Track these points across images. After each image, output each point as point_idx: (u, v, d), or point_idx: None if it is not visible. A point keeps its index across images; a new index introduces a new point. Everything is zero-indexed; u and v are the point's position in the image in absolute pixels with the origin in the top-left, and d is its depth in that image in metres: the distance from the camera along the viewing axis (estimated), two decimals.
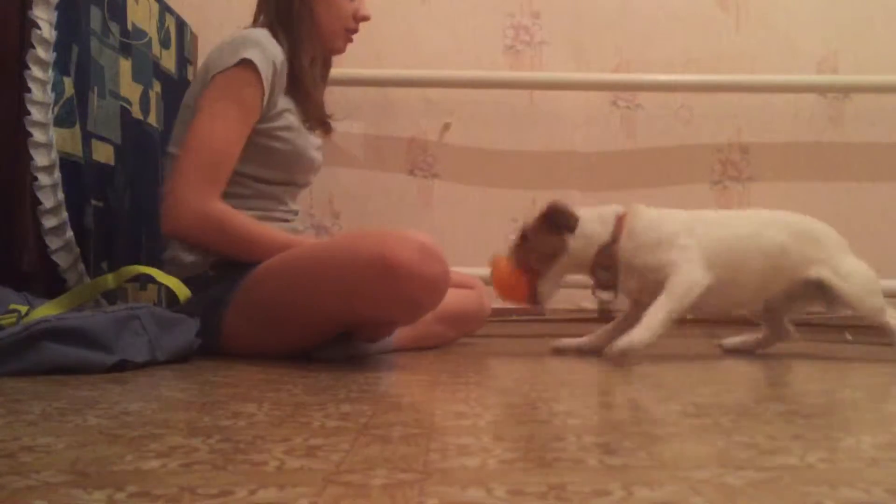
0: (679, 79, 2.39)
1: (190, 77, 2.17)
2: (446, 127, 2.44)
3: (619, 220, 1.65)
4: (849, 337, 2.26)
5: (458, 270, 2.03)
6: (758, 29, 2.47)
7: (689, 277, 1.57)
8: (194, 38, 2.22)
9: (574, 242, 1.64)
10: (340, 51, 1.69)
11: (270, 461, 0.61)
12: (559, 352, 1.75)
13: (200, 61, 2.24)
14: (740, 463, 0.63)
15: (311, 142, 1.64)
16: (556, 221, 1.65)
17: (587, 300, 2.43)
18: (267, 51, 1.50)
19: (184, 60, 2.11)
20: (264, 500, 0.50)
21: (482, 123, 2.44)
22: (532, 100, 2.45)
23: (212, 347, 1.45)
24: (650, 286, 1.61)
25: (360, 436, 0.71)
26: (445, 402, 0.97)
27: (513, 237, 1.72)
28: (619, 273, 1.65)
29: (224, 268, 1.48)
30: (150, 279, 1.55)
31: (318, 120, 1.66)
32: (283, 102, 1.56)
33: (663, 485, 0.55)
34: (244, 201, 1.54)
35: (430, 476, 0.57)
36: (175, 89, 2.03)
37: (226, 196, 1.50)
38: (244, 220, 1.48)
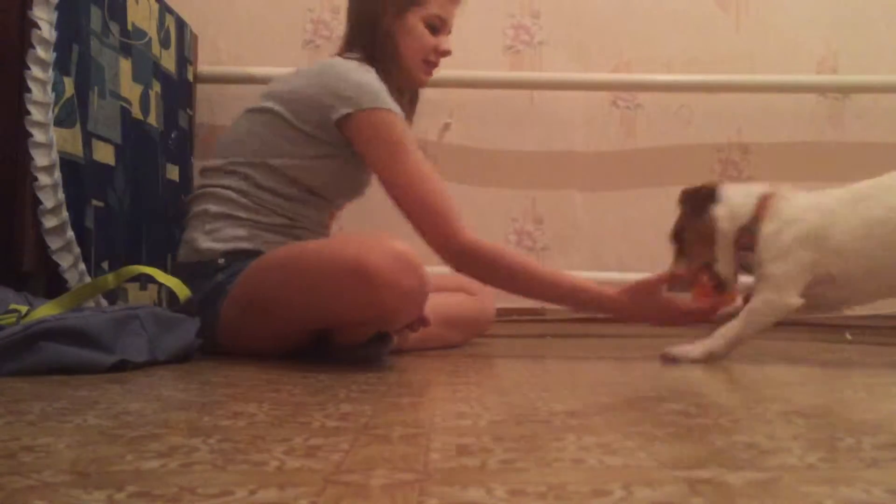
0: (679, 79, 2.39)
1: (190, 77, 2.17)
2: (446, 127, 2.44)
3: (764, 200, 1.56)
4: (849, 337, 2.26)
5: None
6: (758, 29, 2.47)
7: (768, 305, 1.52)
8: (194, 38, 2.22)
9: (719, 213, 1.57)
10: (423, 84, 1.71)
11: (270, 461, 0.61)
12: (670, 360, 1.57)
13: (200, 61, 2.25)
14: (740, 463, 0.63)
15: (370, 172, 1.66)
16: (691, 199, 1.62)
17: None
18: (384, 91, 1.52)
19: (184, 60, 2.11)
20: (264, 500, 0.50)
21: (482, 123, 2.44)
22: (532, 100, 2.45)
23: (209, 338, 1.46)
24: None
25: (360, 436, 0.71)
26: (445, 402, 0.97)
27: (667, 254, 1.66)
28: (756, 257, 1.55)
29: (233, 258, 1.49)
30: (150, 279, 1.55)
31: None
32: None
33: (663, 485, 0.55)
34: (288, 203, 1.56)
35: (430, 476, 0.57)
36: (175, 89, 2.02)
37: (264, 189, 1.53)
38: (506, 259, 1.54)
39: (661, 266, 2.36)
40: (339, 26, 2.41)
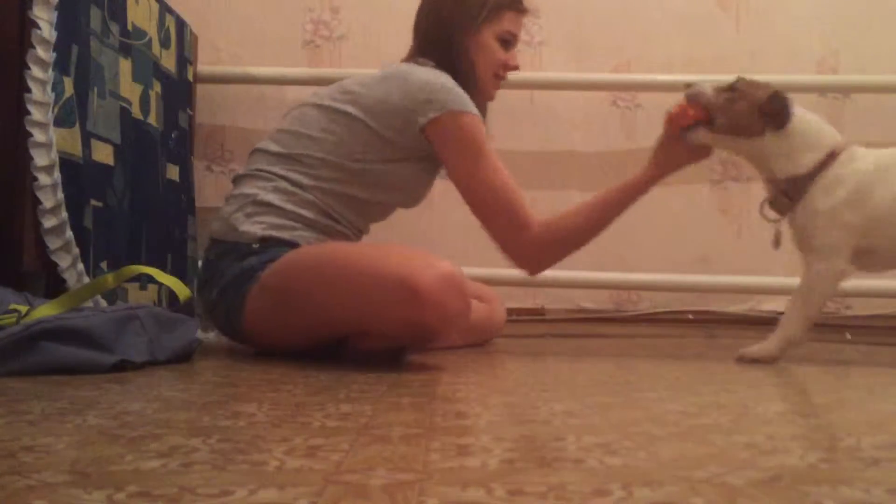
0: (679, 79, 2.39)
1: (190, 77, 2.17)
2: None
3: (830, 156, 1.52)
4: (849, 337, 2.26)
5: (472, 281, 2.03)
6: (758, 29, 2.47)
7: (823, 280, 1.52)
8: (194, 38, 2.22)
9: (771, 143, 1.52)
10: (492, 98, 1.72)
11: (270, 461, 0.61)
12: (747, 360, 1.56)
13: (200, 61, 2.25)
14: (740, 463, 0.63)
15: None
16: (771, 108, 1.51)
17: (587, 300, 2.43)
18: (464, 95, 1.54)
19: (184, 60, 2.11)
20: (264, 500, 0.50)
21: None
22: (532, 100, 2.45)
23: (231, 321, 1.45)
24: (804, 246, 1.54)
25: (360, 436, 0.71)
26: (445, 402, 0.97)
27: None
28: (794, 212, 1.54)
29: (268, 245, 1.47)
30: (151, 279, 1.55)
31: None
32: None
33: (663, 485, 0.55)
34: (343, 206, 1.56)
35: (430, 476, 0.57)
36: (175, 89, 2.03)
37: (326, 186, 1.53)
38: (570, 215, 1.58)
39: (662, 265, 2.36)
40: (339, 26, 2.41)
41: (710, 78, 2.37)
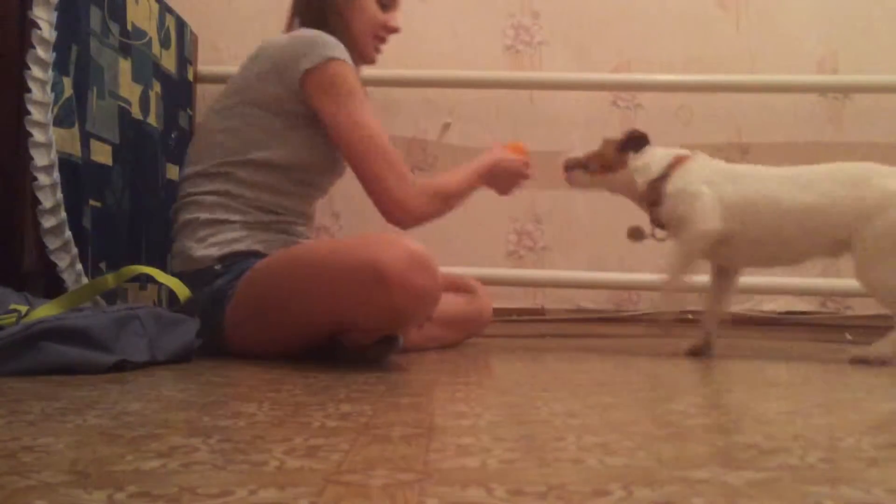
0: (679, 79, 2.39)
1: (190, 77, 2.17)
2: (446, 127, 2.44)
3: (677, 160, 1.74)
4: (849, 337, 2.26)
5: (459, 271, 2.04)
6: (758, 29, 2.47)
7: (690, 244, 1.68)
8: (194, 38, 2.22)
9: (631, 164, 1.76)
10: (373, 60, 1.71)
11: (270, 461, 0.61)
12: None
13: (200, 61, 2.25)
14: (740, 463, 0.63)
15: None
16: (628, 139, 1.79)
17: (587, 300, 2.43)
18: (341, 47, 1.54)
19: (184, 60, 2.11)
20: (264, 500, 0.50)
21: (482, 123, 2.44)
22: (532, 100, 2.45)
23: (216, 343, 1.46)
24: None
25: (360, 436, 0.71)
26: (445, 402, 0.97)
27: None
28: (663, 213, 1.73)
29: (230, 262, 1.49)
30: (150, 279, 1.55)
31: None
32: None
33: (663, 485, 0.55)
34: (274, 197, 1.56)
35: (430, 476, 0.57)
36: (175, 89, 2.02)
37: (249, 185, 1.53)
38: (442, 179, 1.63)
39: (662, 265, 2.36)
40: None
41: (710, 78, 2.39)
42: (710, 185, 1.68)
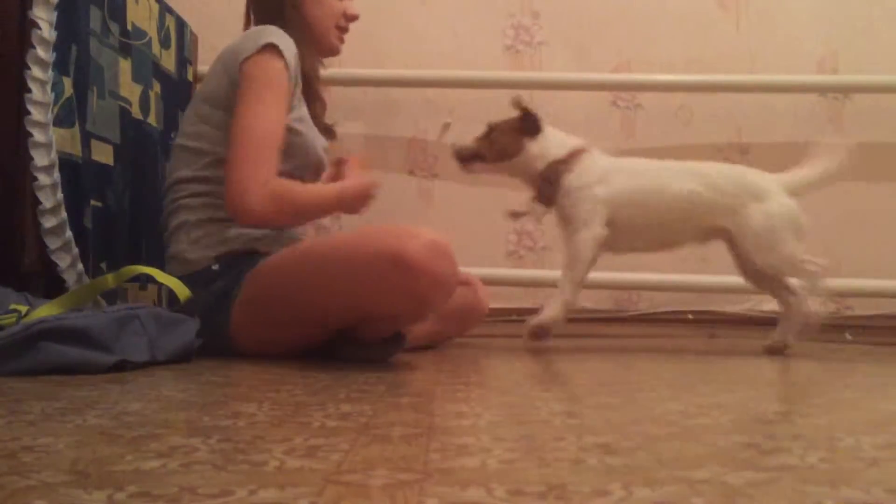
0: (679, 79, 2.39)
1: (190, 77, 2.17)
2: (446, 127, 2.44)
3: (577, 152, 1.83)
4: (849, 337, 2.26)
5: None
6: (758, 29, 2.47)
7: (582, 245, 1.77)
8: (194, 38, 2.22)
9: (531, 149, 1.83)
10: (336, 50, 1.70)
11: (270, 461, 0.61)
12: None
13: (200, 61, 2.25)
14: (740, 463, 0.63)
15: (320, 140, 1.65)
16: (525, 123, 1.84)
17: (587, 300, 2.43)
18: (284, 38, 1.52)
19: (184, 60, 2.11)
20: (264, 500, 0.50)
21: (482, 123, 2.43)
22: (532, 100, 2.44)
23: (220, 343, 1.46)
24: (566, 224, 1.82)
25: (360, 436, 0.71)
26: (445, 402, 0.97)
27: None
28: (557, 195, 1.81)
29: (228, 262, 1.49)
30: (150, 279, 1.55)
31: (321, 125, 1.68)
32: (298, 95, 1.58)
33: (663, 485, 0.55)
34: None
35: (430, 476, 0.57)
36: (175, 89, 2.02)
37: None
38: (300, 189, 1.53)
39: (663, 265, 2.36)
40: None
41: (711, 78, 2.39)
42: (604, 184, 1.79)
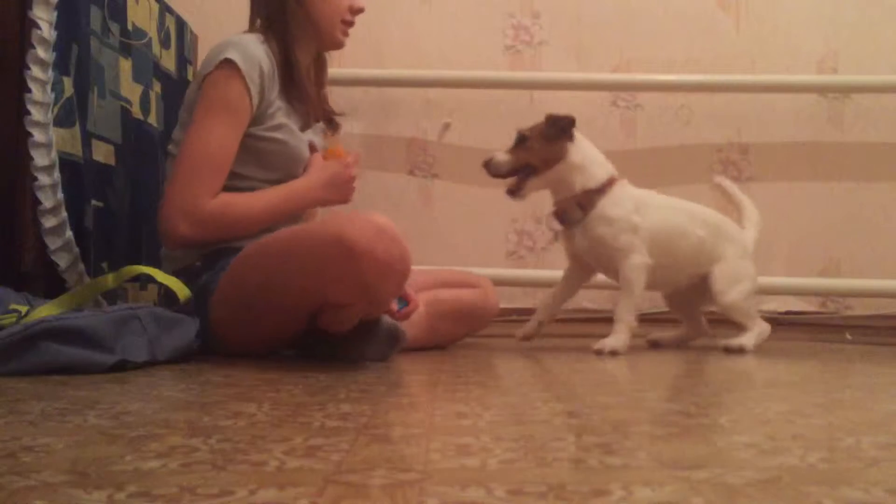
0: (679, 79, 2.39)
1: (190, 77, 2.17)
2: (446, 127, 2.44)
3: (612, 179, 1.80)
4: (849, 337, 2.26)
5: (459, 269, 2.04)
6: (758, 29, 2.47)
7: (639, 270, 1.76)
8: (194, 38, 2.22)
9: (572, 154, 1.78)
10: (340, 45, 1.67)
11: (270, 461, 0.61)
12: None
13: (200, 61, 2.25)
14: (740, 463, 0.63)
15: (306, 142, 1.63)
16: (557, 126, 1.77)
17: (587, 300, 2.43)
18: (249, 52, 1.50)
19: (184, 60, 2.11)
20: (264, 500, 0.50)
21: (482, 123, 2.44)
22: (532, 100, 2.45)
23: (203, 338, 1.45)
24: (599, 258, 1.80)
25: (360, 436, 0.71)
26: (445, 402, 0.97)
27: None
28: (586, 224, 1.78)
29: (211, 257, 1.49)
30: (150, 279, 1.55)
31: (322, 117, 1.67)
32: (278, 103, 1.56)
33: (663, 485, 0.55)
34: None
35: (430, 476, 0.57)
36: (175, 89, 2.02)
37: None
38: (239, 204, 1.50)
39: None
40: None
41: (710, 78, 2.39)
42: (640, 216, 1.79)
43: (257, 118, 1.52)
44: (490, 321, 1.93)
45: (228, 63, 1.47)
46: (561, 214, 1.81)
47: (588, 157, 1.80)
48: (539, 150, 1.77)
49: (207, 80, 1.49)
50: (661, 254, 1.79)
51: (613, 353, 1.67)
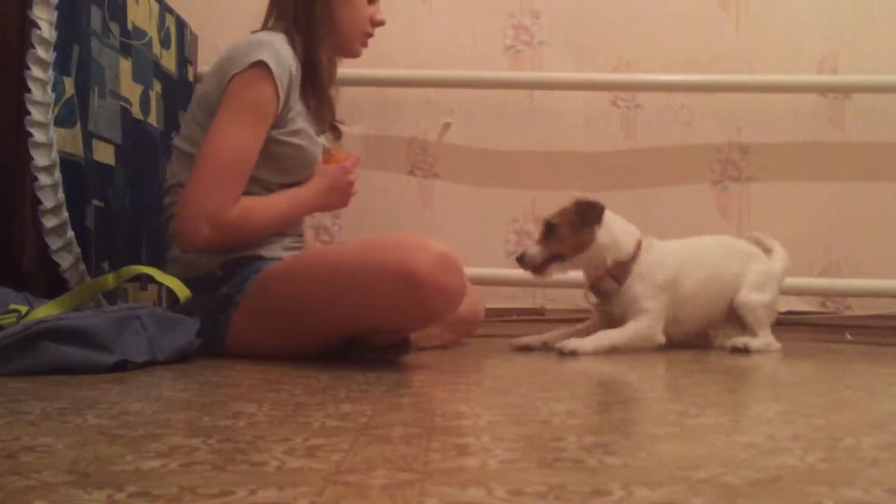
0: (679, 79, 2.39)
1: (190, 77, 2.17)
2: (446, 127, 2.44)
3: (638, 245, 1.83)
4: (849, 337, 2.26)
5: None
6: (758, 29, 2.47)
7: (648, 332, 1.78)
8: (194, 38, 2.22)
9: (601, 238, 1.80)
10: (357, 54, 1.68)
11: (270, 461, 0.61)
12: (523, 349, 1.84)
13: (200, 61, 2.25)
14: (740, 463, 0.63)
15: (321, 146, 1.64)
16: (585, 213, 1.79)
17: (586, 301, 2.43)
18: (281, 54, 1.48)
19: (184, 60, 2.11)
20: (264, 500, 0.50)
21: (482, 123, 2.44)
22: (532, 100, 2.45)
23: (215, 347, 1.45)
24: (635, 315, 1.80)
25: (360, 436, 0.71)
26: (445, 402, 0.97)
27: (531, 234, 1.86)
28: (622, 292, 1.80)
29: (233, 267, 1.48)
30: (151, 279, 1.55)
31: (329, 123, 1.67)
32: (298, 107, 1.55)
33: (663, 485, 0.55)
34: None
35: (430, 476, 0.57)
36: (175, 89, 2.03)
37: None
38: (256, 210, 1.49)
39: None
40: None
41: (710, 78, 2.39)
42: (674, 271, 1.84)
43: (278, 121, 1.50)
44: (477, 327, 1.94)
45: (261, 65, 1.45)
46: (597, 289, 1.86)
47: (616, 232, 1.82)
48: (569, 239, 1.80)
49: (237, 79, 1.45)
50: (704, 302, 1.88)
51: (573, 354, 1.66)
